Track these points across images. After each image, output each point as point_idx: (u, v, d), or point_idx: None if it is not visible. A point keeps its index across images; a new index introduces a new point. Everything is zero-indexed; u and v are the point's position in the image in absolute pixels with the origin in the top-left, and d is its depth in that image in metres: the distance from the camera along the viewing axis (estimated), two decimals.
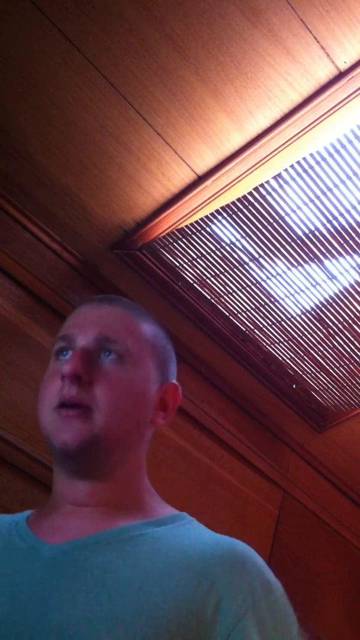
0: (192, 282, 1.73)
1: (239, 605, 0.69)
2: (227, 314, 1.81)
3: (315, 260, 1.56)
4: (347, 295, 1.64)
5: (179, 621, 0.66)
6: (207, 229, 1.55)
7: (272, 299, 1.71)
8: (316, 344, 1.82)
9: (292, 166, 1.37)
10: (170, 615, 0.67)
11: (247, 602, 0.69)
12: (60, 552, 0.74)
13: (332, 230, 1.48)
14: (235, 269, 1.65)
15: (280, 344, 1.86)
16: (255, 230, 1.52)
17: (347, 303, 1.66)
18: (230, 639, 0.66)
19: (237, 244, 1.57)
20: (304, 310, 1.72)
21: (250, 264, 1.62)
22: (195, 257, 1.64)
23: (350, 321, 1.71)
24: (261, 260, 1.60)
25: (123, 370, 0.81)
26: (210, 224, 1.54)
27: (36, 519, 0.83)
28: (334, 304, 1.68)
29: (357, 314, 1.68)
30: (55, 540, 0.76)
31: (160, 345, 0.89)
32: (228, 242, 1.58)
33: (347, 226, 1.46)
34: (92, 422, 0.78)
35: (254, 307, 1.75)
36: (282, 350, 1.89)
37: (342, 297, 1.65)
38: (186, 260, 1.66)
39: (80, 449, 0.77)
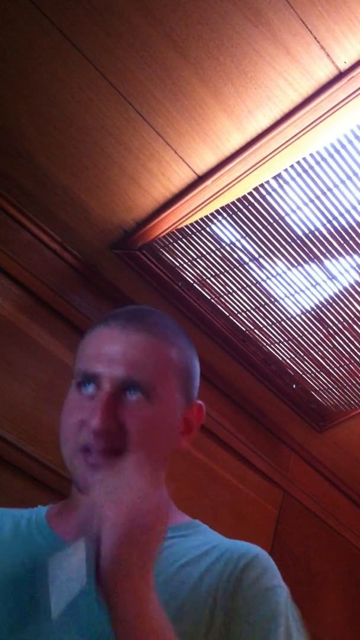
0: (192, 282, 1.73)
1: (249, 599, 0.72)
2: (227, 314, 1.81)
3: (315, 260, 1.56)
4: (347, 295, 1.64)
5: (192, 623, 0.70)
6: (207, 229, 1.55)
7: (272, 299, 1.71)
8: (316, 344, 1.82)
9: (292, 166, 1.37)
10: (186, 617, 0.70)
11: (256, 596, 0.73)
12: None
13: (332, 230, 1.48)
14: (235, 269, 1.65)
15: (280, 344, 1.86)
16: (255, 230, 1.52)
17: (347, 303, 1.66)
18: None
19: (237, 244, 1.57)
20: (304, 310, 1.72)
21: (250, 264, 1.62)
22: (195, 257, 1.64)
23: (350, 321, 1.71)
24: (261, 260, 1.60)
25: (150, 408, 0.79)
26: (210, 224, 1.54)
27: (57, 518, 0.83)
28: (334, 304, 1.68)
29: (357, 314, 1.68)
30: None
31: (187, 368, 0.87)
32: (228, 242, 1.57)
33: (347, 226, 1.46)
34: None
35: (254, 307, 1.75)
36: (282, 350, 1.89)
37: (342, 297, 1.65)
38: (186, 260, 1.66)
39: None
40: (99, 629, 0.67)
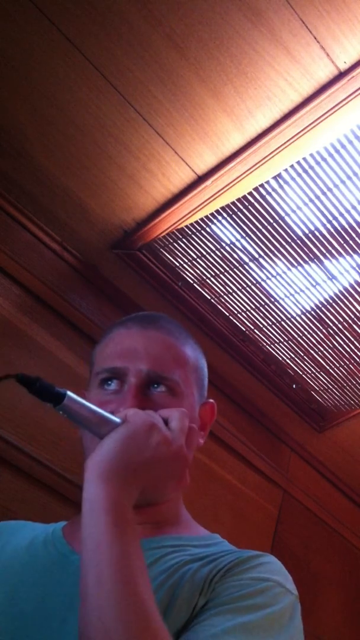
0: (192, 282, 1.73)
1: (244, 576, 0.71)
2: (227, 314, 1.81)
3: (315, 260, 1.56)
4: (347, 295, 1.64)
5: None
6: (207, 229, 1.55)
7: (272, 299, 1.71)
8: (316, 344, 1.82)
9: (292, 166, 1.37)
10: (194, 595, 0.69)
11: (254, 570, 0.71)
12: None
13: (332, 230, 1.48)
14: (235, 269, 1.65)
15: (280, 344, 1.86)
16: (255, 230, 1.52)
17: (347, 303, 1.66)
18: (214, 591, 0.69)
19: (237, 244, 1.57)
20: (304, 310, 1.72)
21: (250, 264, 1.62)
22: (195, 257, 1.64)
23: (350, 321, 1.71)
24: (261, 260, 1.60)
25: (175, 402, 0.81)
26: (210, 224, 1.54)
27: (71, 529, 0.83)
28: (334, 304, 1.68)
29: (357, 314, 1.68)
30: None
31: (200, 367, 0.90)
32: (228, 242, 1.57)
33: (347, 226, 1.46)
34: None
35: (254, 307, 1.75)
36: (282, 350, 1.89)
37: (342, 297, 1.65)
38: (186, 260, 1.66)
39: None
40: None
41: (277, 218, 1.48)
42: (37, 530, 0.87)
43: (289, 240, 1.53)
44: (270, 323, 1.79)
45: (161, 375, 0.81)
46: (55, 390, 0.73)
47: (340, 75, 1.23)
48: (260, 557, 0.75)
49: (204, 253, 1.62)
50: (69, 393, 0.73)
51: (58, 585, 0.74)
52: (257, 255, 1.59)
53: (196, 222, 1.53)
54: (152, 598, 0.59)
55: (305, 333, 1.79)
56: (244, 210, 1.48)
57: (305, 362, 1.90)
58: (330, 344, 1.80)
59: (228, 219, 1.51)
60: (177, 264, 1.68)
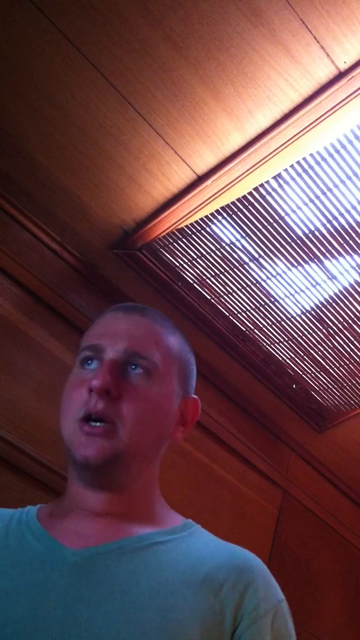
0: (192, 282, 1.73)
1: (256, 610, 0.71)
2: (227, 314, 1.81)
3: (315, 260, 1.56)
4: (347, 295, 1.64)
5: (202, 633, 0.68)
6: (207, 229, 1.55)
7: (272, 299, 1.71)
8: (316, 344, 1.82)
9: (292, 166, 1.37)
10: (194, 627, 0.69)
11: (263, 608, 0.72)
12: (84, 557, 0.74)
13: (332, 230, 1.48)
14: (235, 269, 1.65)
15: (280, 344, 1.86)
16: (255, 230, 1.52)
17: (347, 303, 1.66)
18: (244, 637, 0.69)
19: (237, 244, 1.57)
20: (304, 310, 1.72)
21: (250, 264, 1.62)
22: (195, 257, 1.64)
23: (350, 321, 1.71)
24: (261, 260, 1.60)
25: (150, 386, 0.81)
26: (210, 224, 1.54)
27: (50, 520, 0.82)
28: (334, 304, 1.68)
29: (357, 314, 1.68)
30: (76, 545, 0.76)
31: (185, 360, 0.89)
32: (228, 242, 1.57)
33: (347, 226, 1.46)
34: (116, 439, 0.77)
35: (254, 307, 1.75)
36: (282, 350, 1.89)
37: (342, 297, 1.65)
38: (186, 260, 1.66)
39: (101, 465, 0.77)
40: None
41: (277, 218, 1.48)
42: (5, 517, 0.84)
43: (289, 240, 1.53)
44: (270, 323, 1.79)
45: (139, 354, 0.81)
46: None
47: (340, 75, 1.23)
48: (256, 577, 0.75)
49: (204, 253, 1.62)
50: None
51: (52, 587, 0.71)
52: (257, 255, 1.59)
53: (196, 222, 1.53)
54: None
55: (305, 333, 1.79)
56: (244, 210, 1.48)
57: (305, 362, 1.90)
58: (330, 344, 1.80)
59: (228, 219, 1.51)
60: (177, 264, 1.68)
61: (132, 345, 0.81)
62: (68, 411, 0.80)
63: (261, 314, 1.77)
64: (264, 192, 1.43)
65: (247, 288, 1.69)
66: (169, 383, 0.84)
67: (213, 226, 1.54)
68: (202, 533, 0.83)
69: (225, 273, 1.67)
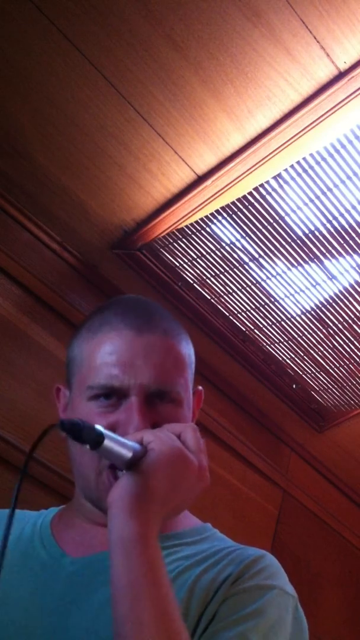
0: (192, 282, 1.73)
1: (251, 578, 0.72)
2: (227, 314, 1.81)
3: (315, 260, 1.56)
4: (347, 295, 1.64)
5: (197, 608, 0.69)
6: (207, 229, 1.55)
7: (272, 299, 1.71)
8: (316, 344, 1.82)
9: (292, 166, 1.37)
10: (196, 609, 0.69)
11: (258, 579, 0.72)
12: (82, 565, 0.74)
13: (332, 230, 1.48)
14: (235, 269, 1.65)
15: (280, 344, 1.86)
16: (255, 230, 1.52)
17: (347, 303, 1.66)
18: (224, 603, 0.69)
19: (237, 244, 1.57)
20: (304, 310, 1.72)
21: (250, 264, 1.62)
22: (195, 257, 1.64)
23: (350, 321, 1.71)
24: (261, 260, 1.60)
25: (177, 412, 0.79)
26: (210, 224, 1.53)
27: (59, 527, 0.82)
28: (334, 304, 1.68)
29: (357, 314, 1.68)
30: (78, 553, 0.76)
31: (193, 361, 0.88)
32: (228, 242, 1.57)
33: (347, 226, 1.46)
34: None
35: (254, 307, 1.75)
36: (282, 350, 1.89)
37: (342, 297, 1.65)
38: (186, 260, 1.66)
39: None
40: None
41: (277, 218, 1.48)
42: (23, 521, 0.84)
43: (289, 240, 1.53)
44: (270, 323, 1.79)
45: (165, 386, 0.77)
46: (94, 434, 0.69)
47: (340, 75, 1.23)
48: (260, 560, 0.75)
49: (204, 253, 1.62)
50: (104, 431, 0.68)
51: (48, 594, 0.72)
52: (257, 255, 1.59)
53: (196, 222, 1.53)
54: (188, 636, 0.60)
55: (305, 333, 1.79)
56: (244, 210, 1.48)
57: (305, 362, 1.90)
58: (330, 344, 1.80)
59: (228, 219, 1.51)
60: (177, 264, 1.68)
61: (155, 381, 0.77)
62: (90, 464, 0.76)
63: (261, 314, 1.77)
64: (264, 192, 1.43)
65: (247, 288, 1.69)
66: (189, 398, 0.83)
67: (213, 226, 1.54)
68: (218, 537, 0.83)
69: (225, 273, 1.66)
